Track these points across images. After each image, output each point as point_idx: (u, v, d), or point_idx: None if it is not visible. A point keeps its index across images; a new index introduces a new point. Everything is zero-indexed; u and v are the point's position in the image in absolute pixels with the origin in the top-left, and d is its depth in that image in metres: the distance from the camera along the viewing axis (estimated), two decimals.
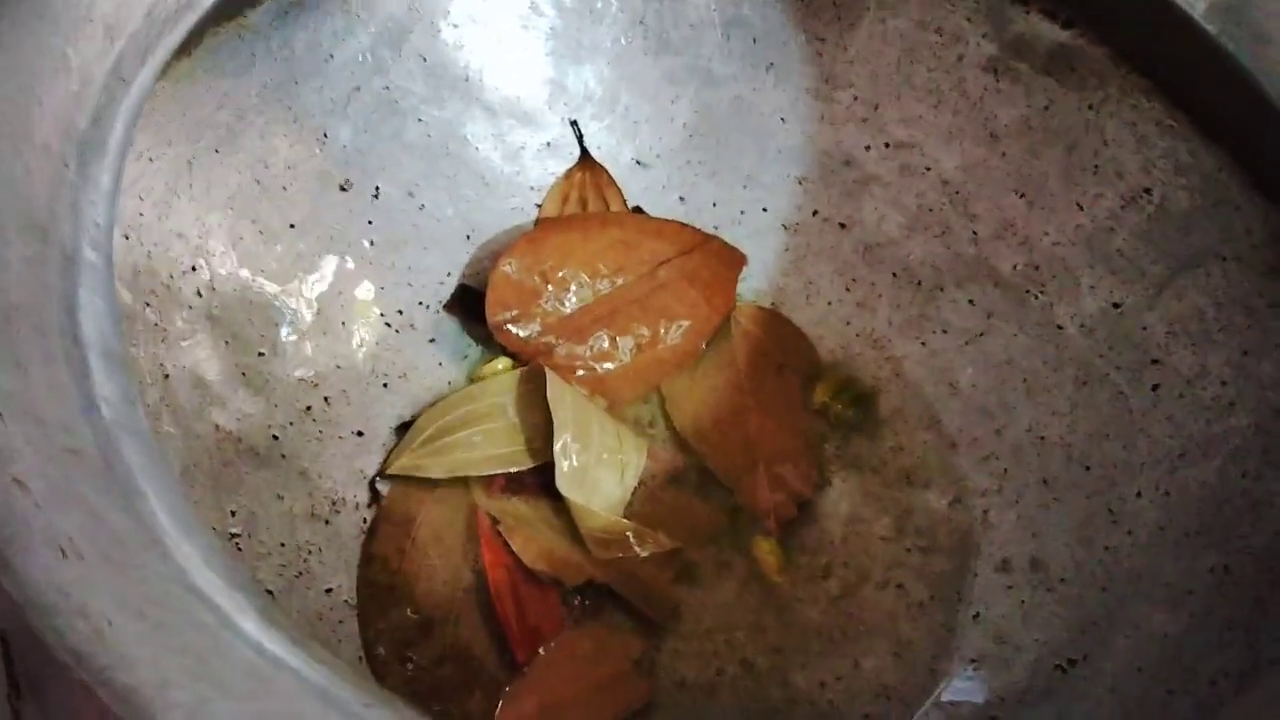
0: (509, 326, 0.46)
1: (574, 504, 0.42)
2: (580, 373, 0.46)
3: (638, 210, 0.49)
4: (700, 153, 0.49)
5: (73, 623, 0.21)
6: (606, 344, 0.46)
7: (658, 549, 0.42)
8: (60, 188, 0.27)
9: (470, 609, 0.41)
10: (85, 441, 0.24)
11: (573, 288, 0.46)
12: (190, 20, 0.32)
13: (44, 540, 0.22)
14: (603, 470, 0.43)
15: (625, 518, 0.43)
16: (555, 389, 0.43)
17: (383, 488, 0.44)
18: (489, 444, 0.44)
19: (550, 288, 0.46)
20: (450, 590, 0.41)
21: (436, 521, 0.43)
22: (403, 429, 0.45)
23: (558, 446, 0.42)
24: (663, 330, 0.47)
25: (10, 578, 0.21)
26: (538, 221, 0.48)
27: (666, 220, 0.49)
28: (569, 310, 0.46)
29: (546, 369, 0.44)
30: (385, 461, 0.44)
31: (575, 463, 0.43)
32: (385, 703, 0.23)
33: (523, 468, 0.44)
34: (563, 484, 0.42)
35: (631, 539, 0.42)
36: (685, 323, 0.47)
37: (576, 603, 0.42)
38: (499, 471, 0.44)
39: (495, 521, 0.43)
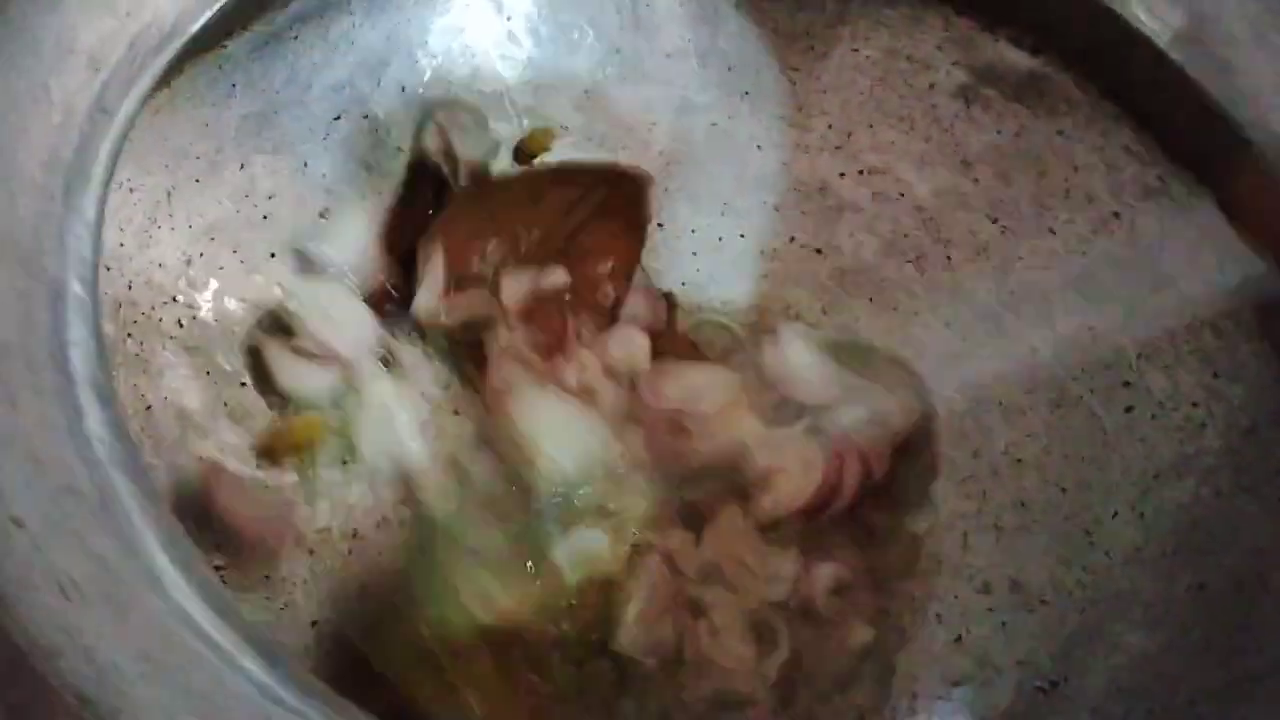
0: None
1: None
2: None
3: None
4: (678, 179, 0.50)
5: (77, 666, 0.21)
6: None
7: None
8: (47, 221, 0.27)
9: None
10: (80, 478, 0.24)
11: (499, 263, 0.46)
12: (173, 50, 0.32)
13: (45, 580, 0.22)
14: None
15: None
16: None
17: None
18: None
19: (483, 275, 0.45)
20: None
21: None
22: None
23: None
24: (591, 270, 0.46)
25: (13, 619, 0.21)
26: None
27: (562, 164, 0.48)
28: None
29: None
30: None
31: None
32: None
33: None
34: None
35: None
36: (609, 260, 0.47)
37: None
38: None
39: None
